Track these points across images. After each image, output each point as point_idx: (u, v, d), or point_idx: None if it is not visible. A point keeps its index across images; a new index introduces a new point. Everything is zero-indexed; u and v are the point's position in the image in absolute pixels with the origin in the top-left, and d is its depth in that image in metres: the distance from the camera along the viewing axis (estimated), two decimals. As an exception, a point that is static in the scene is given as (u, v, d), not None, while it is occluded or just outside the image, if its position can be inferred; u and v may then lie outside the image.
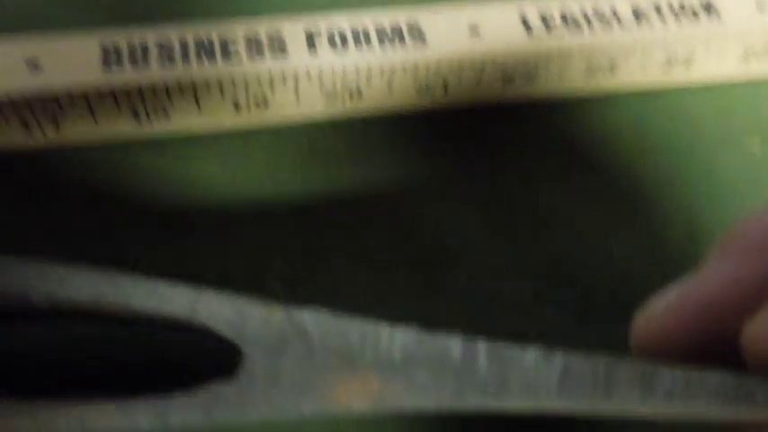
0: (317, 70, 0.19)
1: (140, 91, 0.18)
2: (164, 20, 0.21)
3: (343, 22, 0.20)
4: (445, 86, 0.20)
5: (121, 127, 0.19)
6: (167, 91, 0.18)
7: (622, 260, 0.18)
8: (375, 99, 0.20)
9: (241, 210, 0.18)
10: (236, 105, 0.19)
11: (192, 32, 0.19)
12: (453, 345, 0.09)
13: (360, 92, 0.19)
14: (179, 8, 0.22)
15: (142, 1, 0.22)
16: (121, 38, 0.18)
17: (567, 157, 0.20)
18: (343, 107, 0.20)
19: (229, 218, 0.18)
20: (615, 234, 0.19)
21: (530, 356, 0.09)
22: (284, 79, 0.19)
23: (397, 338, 0.09)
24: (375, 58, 0.19)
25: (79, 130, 0.19)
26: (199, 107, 0.19)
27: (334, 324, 0.10)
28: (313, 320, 0.10)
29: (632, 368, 0.09)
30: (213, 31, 0.19)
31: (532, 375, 0.09)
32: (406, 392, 0.09)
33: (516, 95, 0.21)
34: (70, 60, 0.18)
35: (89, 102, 0.18)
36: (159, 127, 0.19)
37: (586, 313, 0.18)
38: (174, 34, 0.19)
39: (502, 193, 0.19)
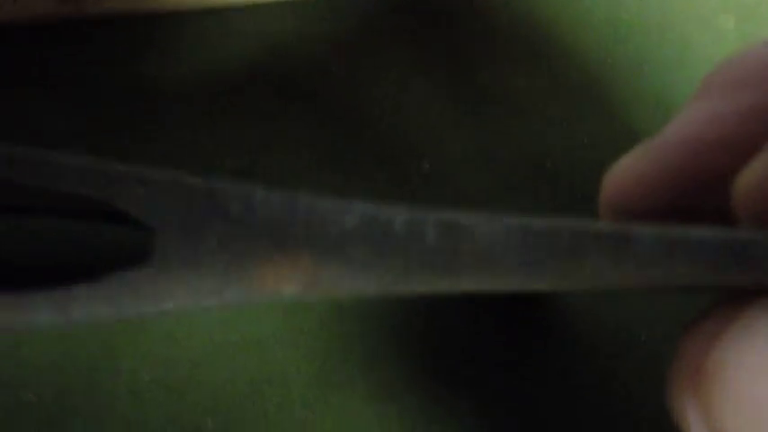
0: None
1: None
2: None
3: None
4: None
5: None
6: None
7: (593, 147, 0.18)
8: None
9: (196, 104, 0.17)
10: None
11: None
12: (397, 217, 0.08)
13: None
14: None
15: None
16: None
17: (535, 41, 0.19)
18: None
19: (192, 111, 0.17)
20: (585, 120, 0.18)
21: (484, 225, 0.08)
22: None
23: (330, 213, 0.08)
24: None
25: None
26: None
27: (260, 200, 0.08)
28: (236, 195, 0.08)
29: (602, 230, 0.08)
30: None
31: (488, 246, 0.08)
32: (343, 272, 0.08)
33: None
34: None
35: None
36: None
37: (559, 203, 0.17)
38: None
39: (468, 79, 0.18)
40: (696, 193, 0.08)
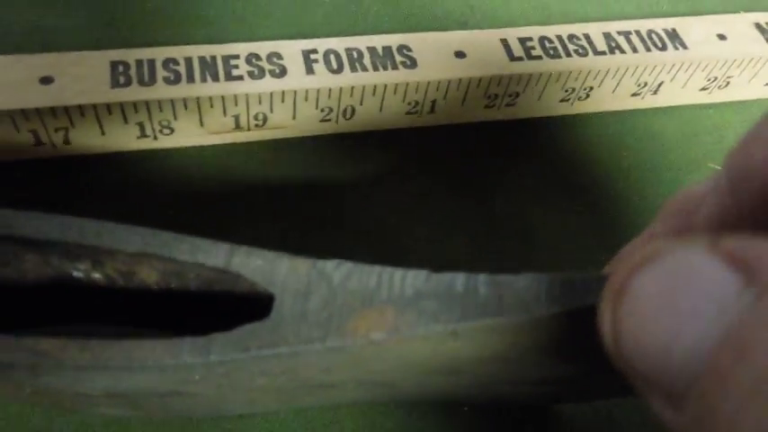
0: (314, 90, 0.20)
1: (147, 107, 0.19)
2: (169, 42, 0.22)
3: (338, 44, 0.21)
4: (432, 106, 0.21)
5: (128, 141, 0.20)
6: (173, 107, 0.19)
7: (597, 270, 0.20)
8: (367, 117, 0.21)
9: (239, 212, 0.19)
10: (237, 122, 0.20)
11: (196, 52, 0.20)
12: (457, 279, 0.10)
13: (353, 110, 0.21)
14: (184, 31, 0.23)
15: (150, 24, 0.23)
16: (130, 57, 0.19)
17: (545, 172, 0.22)
18: (337, 125, 0.21)
19: (229, 219, 0.19)
20: (586, 245, 0.20)
21: (521, 280, 0.10)
22: (282, 97, 0.20)
23: (408, 278, 0.11)
24: (368, 79, 0.20)
25: (87, 143, 0.19)
26: (201, 123, 0.20)
27: (353, 270, 0.11)
28: (334, 267, 0.11)
29: (603, 276, 0.10)
30: (217, 52, 0.20)
31: (524, 293, 0.10)
32: (417, 320, 0.10)
33: (498, 115, 0.23)
34: (81, 77, 0.19)
35: (98, 116, 0.19)
36: (165, 141, 0.20)
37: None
38: (179, 54, 0.20)
39: (486, 207, 0.21)
40: None
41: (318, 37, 0.21)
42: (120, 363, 0.10)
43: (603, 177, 0.22)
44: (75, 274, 0.12)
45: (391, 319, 0.10)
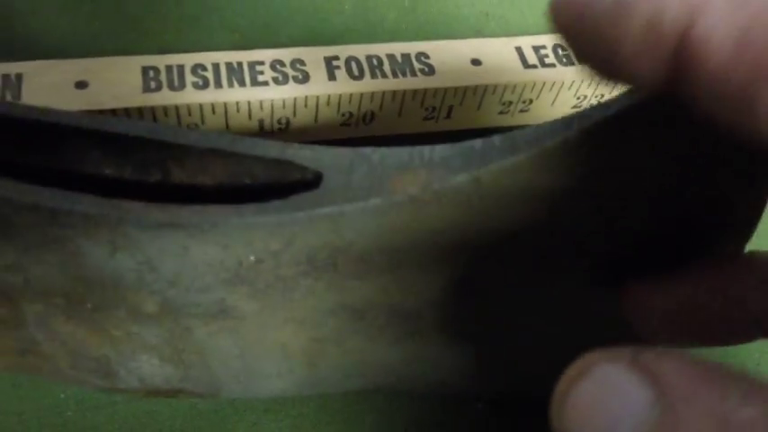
0: (336, 95, 0.21)
1: (177, 110, 0.20)
2: (197, 48, 0.22)
3: (359, 51, 0.22)
4: (449, 111, 0.22)
5: (157, 143, 0.21)
6: (201, 111, 0.20)
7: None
8: (386, 122, 0.22)
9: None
10: (261, 126, 0.21)
11: (224, 58, 0.21)
12: (476, 141, 0.12)
13: (373, 115, 0.21)
14: (211, 38, 0.24)
15: (179, 31, 0.24)
16: (160, 62, 0.20)
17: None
18: (357, 129, 0.22)
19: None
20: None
21: (531, 128, 0.12)
22: (305, 102, 0.21)
23: (436, 150, 0.12)
24: (387, 85, 0.21)
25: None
26: (227, 126, 0.20)
27: (388, 151, 0.12)
28: (373, 151, 0.12)
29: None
30: (243, 59, 0.21)
31: (533, 135, 0.12)
32: (446, 175, 0.12)
33: (512, 121, 0.23)
34: (114, 82, 0.19)
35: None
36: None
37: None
38: (207, 60, 0.20)
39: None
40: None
41: (338, 44, 0.22)
42: (195, 221, 0.12)
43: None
44: (140, 178, 0.14)
45: (424, 176, 0.12)
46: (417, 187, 0.12)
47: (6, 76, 0.19)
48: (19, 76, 0.19)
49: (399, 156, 0.12)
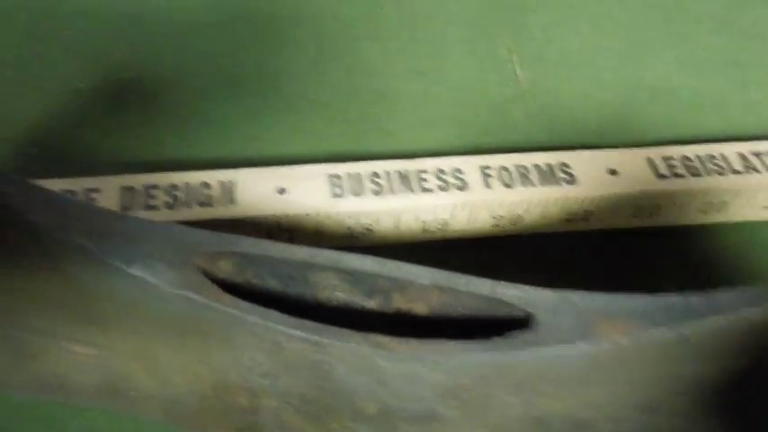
0: (489, 201, 0.24)
1: (357, 215, 0.23)
2: (374, 157, 0.26)
3: (508, 161, 0.25)
4: (587, 216, 0.25)
5: (339, 242, 0.24)
6: (377, 216, 0.23)
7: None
8: (532, 223, 0.25)
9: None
10: (424, 227, 0.24)
11: (393, 167, 0.24)
12: (673, 297, 0.14)
13: (520, 218, 0.24)
14: (372, 145, 0.28)
15: (355, 137, 0.28)
16: (341, 170, 0.24)
17: (682, 278, 0.25)
18: (505, 229, 0.25)
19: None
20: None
21: (729, 293, 0.14)
22: (463, 207, 0.24)
23: (635, 300, 0.14)
24: (533, 194, 0.24)
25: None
26: (397, 227, 0.24)
27: (590, 296, 0.14)
28: (576, 294, 0.15)
29: None
30: (410, 167, 0.24)
31: (734, 299, 0.13)
32: (649, 327, 0.13)
33: (639, 223, 0.26)
34: (307, 189, 0.23)
35: (319, 223, 0.23)
36: (365, 240, 0.24)
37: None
38: (382, 168, 0.24)
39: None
40: None
41: (480, 148, 0.25)
42: (434, 356, 0.14)
43: (735, 283, 0.25)
44: (366, 303, 0.16)
45: (628, 326, 0.14)
46: (624, 335, 0.14)
47: (223, 183, 0.23)
48: (232, 183, 0.23)
49: (602, 302, 0.14)
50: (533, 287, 0.15)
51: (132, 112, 0.28)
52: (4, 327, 0.17)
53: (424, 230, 0.24)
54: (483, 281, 0.16)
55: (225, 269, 0.16)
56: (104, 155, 0.26)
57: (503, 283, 0.15)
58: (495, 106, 0.30)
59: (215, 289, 0.15)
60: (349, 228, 0.23)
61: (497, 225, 0.25)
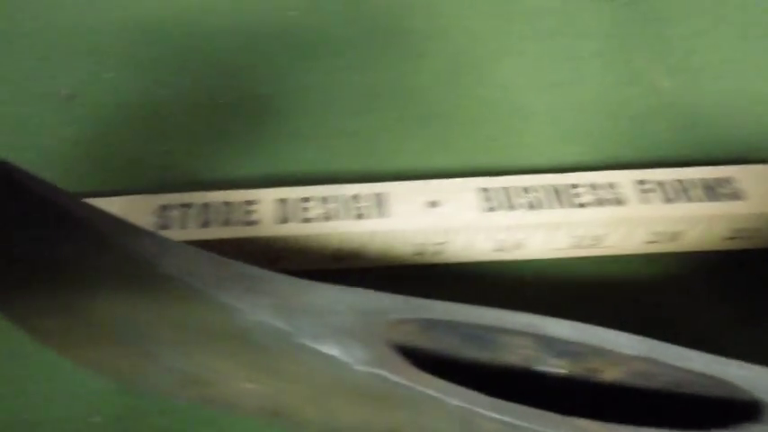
0: (647, 217, 0.23)
1: (508, 229, 0.22)
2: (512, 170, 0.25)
3: (666, 175, 0.23)
4: (750, 235, 0.23)
5: (487, 256, 0.23)
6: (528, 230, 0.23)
7: None
8: (691, 241, 0.23)
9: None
10: (579, 244, 0.23)
11: (538, 182, 0.23)
12: None
13: (680, 235, 0.23)
14: (524, 158, 0.27)
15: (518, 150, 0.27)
16: (491, 184, 0.23)
17: None
18: (662, 245, 0.24)
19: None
20: None
21: None
22: (620, 222, 0.23)
23: None
24: (695, 210, 0.23)
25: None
26: (548, 244, 0.23)
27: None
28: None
29: None
30: (560, 181, 0.23)
31: None
32: None
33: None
34: (458, 202, 0.23)
35: (471, 236, 0.23)
36: (516, 254, 0.24)
37: None
38: (530, 183, 0.23)
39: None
40: None
41: (620, 162, 0.24)
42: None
43: None
44: (550, 368, 0.15)
45: None
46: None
47: (377, 195, 0.23)
48: (384, 196, 0.23)
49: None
50: (763, 367, 0.13)
51: (272, 126, 0.28)
52: (184, 365, 0.17)
53: (576, 246, 0.23)
54: (704, 355, 0.14)
55: (411, 332, 0.16)
56: (261, 168, 0.27)
57: (721, 359, 0.13)
58: (633, 118, 0.29)
59: (407, 366, 0.15)
60: (499, 241, 0.23)
61: (654, 241, 0.23)
